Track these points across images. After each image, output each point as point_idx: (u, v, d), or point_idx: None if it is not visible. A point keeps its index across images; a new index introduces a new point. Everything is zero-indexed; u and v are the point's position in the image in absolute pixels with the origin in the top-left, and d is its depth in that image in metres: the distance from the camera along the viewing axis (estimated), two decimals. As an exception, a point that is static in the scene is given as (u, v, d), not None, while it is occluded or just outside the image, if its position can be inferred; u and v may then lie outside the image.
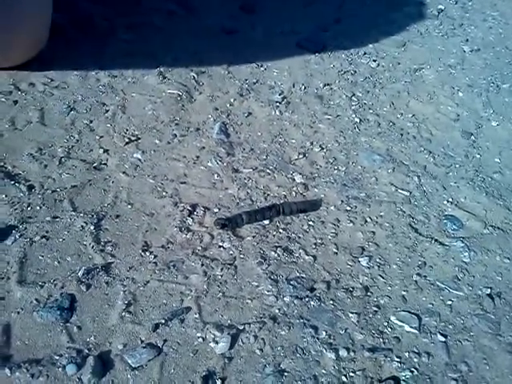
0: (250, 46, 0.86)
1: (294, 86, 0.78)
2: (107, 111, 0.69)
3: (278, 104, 0.74)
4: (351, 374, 0.43)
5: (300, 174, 0.62)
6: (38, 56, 0.69)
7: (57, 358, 0.41)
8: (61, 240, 0.50)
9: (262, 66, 0.82)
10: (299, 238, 0.54)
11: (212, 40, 0.86)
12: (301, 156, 0.65)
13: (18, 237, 0.49)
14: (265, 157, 0.64)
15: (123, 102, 0.71)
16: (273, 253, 0.52)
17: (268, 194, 0.59)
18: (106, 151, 0.62)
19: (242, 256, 0.51)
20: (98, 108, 0.69)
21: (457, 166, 0.66)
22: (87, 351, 0.42)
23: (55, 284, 0.46)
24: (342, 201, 0.59)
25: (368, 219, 0.57)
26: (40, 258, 0.48)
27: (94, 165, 0.59)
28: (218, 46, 0.85)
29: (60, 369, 0.40)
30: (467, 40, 0.95)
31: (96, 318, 0.44)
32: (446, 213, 0.59)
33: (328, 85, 0.79)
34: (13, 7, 0.57)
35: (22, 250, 0.48)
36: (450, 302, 0.49)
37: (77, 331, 0.43)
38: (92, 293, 0.46)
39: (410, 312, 0.48)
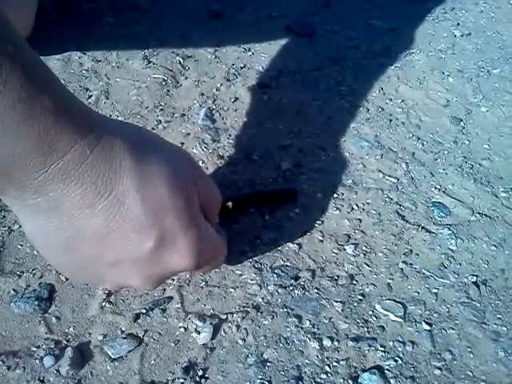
0: (238, 29, 0.85)
1: (282, 71, 0.76)
2: (90, 96, 0.67)
3: (265, 89, 0.73)
4: (335, 364, 0.42)
5: (287, 160, 0.61)
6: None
7: (34, 349, 0.40)
8: (40, 229, 0.48)
9: (249, 51, 0.80)
10: (284, 225, 0.53)
11: (199, 23, 0.84)
12: (288, 142, 0.64)
13: (-4, 225, 0.48)
14: (251, 143, 0.63)
15: (107, 87, 0.69)
16: (257, 241, 0.51)
17: (254, 181, 0.58)
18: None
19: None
20: (81, 93, 0.67)
21: (445, 152, 0.65)
22: (66, 342, 0.41)
23: (34, 274, 0.45)
24: (329, 188, 0.58)
25: (355, 206, 0.56)
26: (19, 247, 0.47)
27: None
28: (205, 30, 0.83)
29: (37, 360, 0.39)
30: (458, 24, 0.94)
31: (75, 309, 0.44)
32: (434, 200, 0.58)
33: (317, 70, 0.78)
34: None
35: (0, 239, 0.47)
36: (435, 290, 0.49)
37: (55, 322, 0.42)
38: (71, 282, 0.45)
39: (395, 300, 0.48)
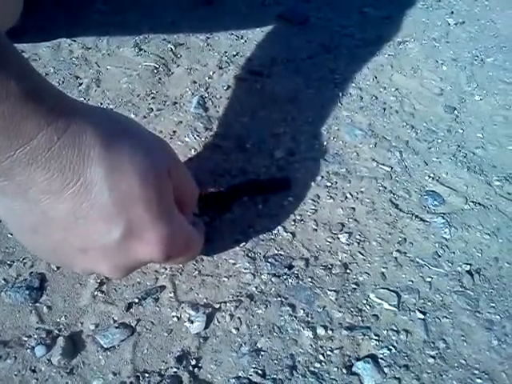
0: (231, 17, 0.84)
1: (275, 59, 0.76)
2: (81, 84, 0.66)
3: (258, 77, 0.72)
4: (328, 353, 0.42)
5: (280, 149, 0.60)
6: (10, 28, 0.65)
7: (25, 339, 0.40)
8: (31, 218, 0.48)
9: (242, 38, 0.79)
10: (278, 214, 0.53)
11: (191, 10, 0.83)
12: (281, 130, 0.63)
13: (-15, 215, 0.47)
14: (244, 131, 0.62)
15: (97, 74, 0.68)
16: (251, 229, 0.51)
17: (247, 170, 0.57)
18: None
19: (218, 233, 0.50)
20: (71, 81, 0.66)
21: (439, 141, 0.65)
22: (57, 332, 0.41)
23: (24, 263, 0.45)
24: (322, 176, 0.58)
25: (348, 195, 0.56)
26: (9, 236, 0.46)
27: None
28: (197, 17, 0.82)
29: (29, 350, 0.39)
30: (452, 12, 0.93)
31: (67, 298, 0.43)
32: (428, 188, 0.58)
33: (310, 58, 0.77)
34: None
35: (-10, 229, 0.47)
36: (429, 279, 0.49)
37: (47, 311, 0.42)
38: (63, 272, 0.45)
39: (389, 289, 0.48)
